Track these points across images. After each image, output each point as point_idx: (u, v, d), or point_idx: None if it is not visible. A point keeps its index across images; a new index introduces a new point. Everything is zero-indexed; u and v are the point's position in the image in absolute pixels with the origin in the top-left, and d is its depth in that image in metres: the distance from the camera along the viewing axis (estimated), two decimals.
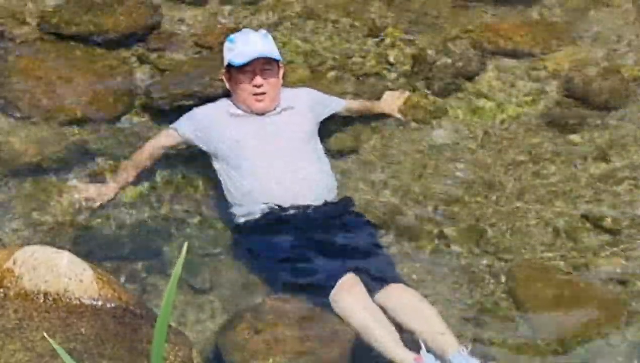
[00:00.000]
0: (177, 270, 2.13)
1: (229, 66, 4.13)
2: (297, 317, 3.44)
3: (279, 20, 5.20)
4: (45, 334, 2.69)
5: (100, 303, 3.08)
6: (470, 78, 4.89)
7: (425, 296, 3.63)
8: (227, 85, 4.19)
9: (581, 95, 4.75)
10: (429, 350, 3.35)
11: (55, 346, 2.18)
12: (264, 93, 4.09)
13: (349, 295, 3.50)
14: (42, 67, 4.64)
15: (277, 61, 4.15)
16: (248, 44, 4.11)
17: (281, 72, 4.19)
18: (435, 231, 4.08)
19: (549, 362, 3.55)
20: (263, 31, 4.29)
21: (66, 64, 4.68)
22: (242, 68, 4.08)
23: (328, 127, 4.38)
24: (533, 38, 5.10)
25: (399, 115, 4.60)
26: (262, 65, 4.09)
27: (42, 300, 3.04)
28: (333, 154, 4.33)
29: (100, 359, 2.91)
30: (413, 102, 4.67)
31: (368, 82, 4.82)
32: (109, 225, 3.95)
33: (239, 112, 4.14)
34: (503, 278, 3.87)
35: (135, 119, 4.55)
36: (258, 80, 4.07)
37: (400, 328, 3.46)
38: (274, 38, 4.33)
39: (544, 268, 3.93)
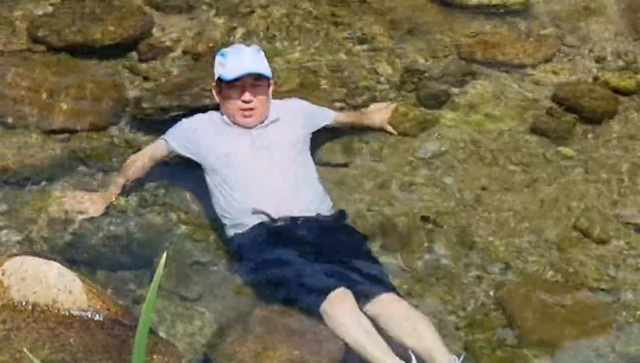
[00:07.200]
0: (156, 278, 2.12)
1: (219, 80, 4.13)
2: (287, 328, 3.43)
3: (268, 31, 5.20)
4: (25, 350, 2.67)
5: (89, 314, 3.08)
6: (460, 89, 4.90)
7: (416, 306, 3.64)
8: (217, 99, 4.18)
9: (571, 106, 4.76)
10: (420, 361, 3.35)
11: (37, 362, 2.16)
12: (252, 109, 4.08)
13: (340, 308, 3.49)
14: (31, 77, 4.63)
15: (267, 78, 4.15)
16: (239, 60, 4.10)
17: (271, 88, 4.19)
18: (426, 242, 4.09)
19: None
20: (255, 47, 4.27)
21: (55, 74, 4.67)
22: (231, 83, 4.07)
23: (318, 139, 4.38)
24: (523, 49, 5.12)
25: (389, 128, 4.61)
26: (252, 81, 4.08)
27: (30, 311, 3.03)
28: (324, 166, 4.33)
29: None
30: (402, 113, 4.68)
31: (358, 94, 4.82)
32: (98, 235, 3.93)
33: (229, 124, 4.13)
34: (493, 289, 3.87)
35: (125, 129, 4.55)
36: (247, 96, 4.06)
37: (391, 338, 3.46)
38: (264, 49, 4.33)
39: (534, 279, 3.93)
